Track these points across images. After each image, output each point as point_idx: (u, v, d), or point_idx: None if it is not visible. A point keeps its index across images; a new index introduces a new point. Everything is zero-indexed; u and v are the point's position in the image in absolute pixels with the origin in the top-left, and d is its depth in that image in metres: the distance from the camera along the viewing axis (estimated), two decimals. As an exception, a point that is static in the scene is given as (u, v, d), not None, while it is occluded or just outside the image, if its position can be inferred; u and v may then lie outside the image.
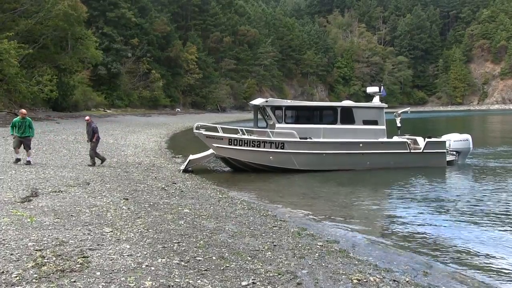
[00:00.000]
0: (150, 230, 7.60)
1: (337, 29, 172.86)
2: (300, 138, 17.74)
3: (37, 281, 5.00)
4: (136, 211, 8.99)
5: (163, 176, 14.64)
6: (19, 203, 8.79)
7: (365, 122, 18.70)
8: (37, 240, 6.45)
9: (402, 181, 15.89)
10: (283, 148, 17.58)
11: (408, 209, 11.73)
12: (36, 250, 6.03)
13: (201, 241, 7.27)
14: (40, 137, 22.14)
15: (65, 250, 6.11)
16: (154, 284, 5.16)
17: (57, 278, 5.11)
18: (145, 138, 29.63)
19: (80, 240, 6.62)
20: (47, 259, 5.70)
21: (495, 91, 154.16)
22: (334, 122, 18.51)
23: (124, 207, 9.26)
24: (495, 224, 10.14)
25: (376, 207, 12.28)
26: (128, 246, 6.53)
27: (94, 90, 58.15)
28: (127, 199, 10.05)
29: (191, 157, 17.70)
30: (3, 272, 5.18)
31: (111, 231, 7.27)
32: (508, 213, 11.18)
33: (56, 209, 8.47)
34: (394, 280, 6.36)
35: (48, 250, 6.03)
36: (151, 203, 10.00)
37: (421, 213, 11.27)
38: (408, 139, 19.57)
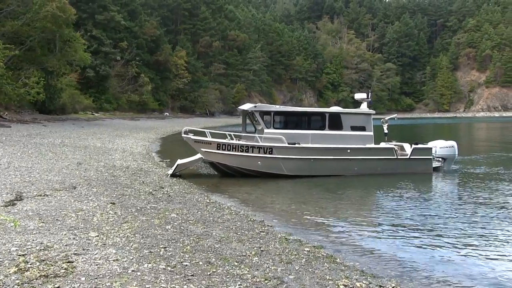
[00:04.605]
0: (136, 235, 7.55)
1: (327, 35, 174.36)
2: (289, 144, 17.78)
3: (19, 287, 4.92)
4: (123, 216, 8.92)
5: (151, 181, 14.55)
6: (2, 207, 8.66)
7: (353, 128, 18.81)
8: (20, 245, 6.35)
9: (389, 187, 16.00)
10: (271, 153, 17.59)
11: (395, 215, 11.80)
12: (19, 255, 5.94)
13: (188, 246, 7.24)
14: (26, 140, 21.88)
15: (49, 255, 6.03)
16: (139, 289, 5.12)
17: (41, 284, 5.04)
18: (133, 142, 29.44)
19: (65, 245, 6.54)
20: (30, 264, 5.62)
21: (480, 98, 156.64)
22: (323, 128, 18.58)
23: (110, 211, 9.18)
24: (479, 229, 10.23)
25: (363, 212, 12.34)
26: (114, 251, 6.47)
27: (82, 93, 57.65)
28: (114, 204, 9.97)
29: (179, 161, 17.61)
30: (-15, 277, 5.10)
31: (97, 236, 7.20)
32: (490, 217, 11.31)
33: (41, 213, 8.37)
34: (380, 286, 6.39)
35: (32, 255, 5.95)
36: (138, 208, 9.93)
37: (408, 218, 11.35)
38: (395, 145, 19.71)
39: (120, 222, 8.35)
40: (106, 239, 7.10)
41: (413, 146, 19.39)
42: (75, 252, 6.25)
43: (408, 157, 19.10)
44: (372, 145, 18.96)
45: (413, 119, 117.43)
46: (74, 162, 16.37)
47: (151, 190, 12.59)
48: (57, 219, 8.05)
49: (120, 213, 9.16)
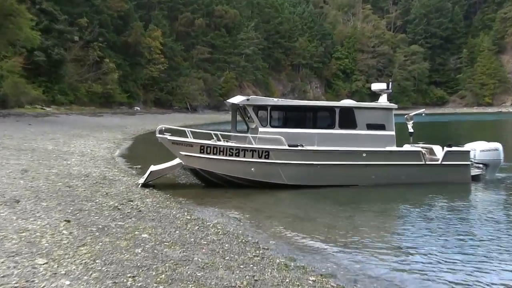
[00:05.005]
0: (97, 261, 7.50)
1: (337, 11, 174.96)
2: (289, 146, 17.78)
3: None
4: (80, 237, 8.86)
5: (117, 192, 14.50)
6: None
7: (370, 127, 18.86)
8: None
9: (416, 201, 16.02)
10: (267, 158, 17.57)
11: (423, 238, 11.76)
12: None
13: (163, 275, 7.21)
14: (-43, 142, 21.73)
15: (-17, 288, 5.96)
16: (99, 330, 5.06)
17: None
18: (95, 144, 29.42)
19: (3, 276, 6.45)
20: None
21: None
22: (331, 126, 18.62)
23: (64, 231, 9.10)
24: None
25: (382, 233, 12.33)
26: (67, 282, 6.41)
27: (29, 82, 57.27)
28: (68, 221, 9.90)
29: (153, 168, 17.56)
30: None
31: (46, 263, 7.12)
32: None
33: (-26, 235, 8.28)
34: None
35: (-40, 289, 5.87)
36: (100, 226, 9.87)
37: (439, 243, 11.27)
38: (422, 148, 19.76)
39: (77, 245, 8.28)
40: (57, 267, 7.02)
41: (446, 149, 19.44)
42: (15, 285, 6.17)
43: (439, 162, 19.15)
44: (394, 148, 19.01)
45: (446, 115, 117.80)
46: (18, 169, 16.25)
47: (116, 204, 12.53)
48: (-6, 242, 7.97)
49: (77, 233, 9.09)
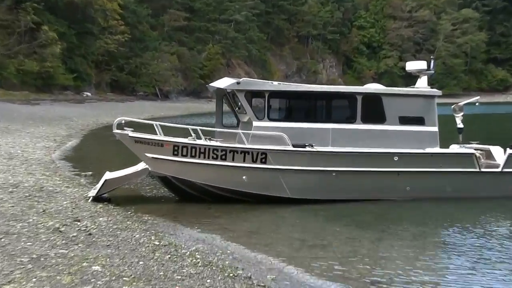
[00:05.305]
0: (30, 304, 7.47)
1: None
2: (294, 146, 17.78)
3: None
4: (6, 271, 8.82)
5: (58, 209, 14.45)
6: None
7: (404, 121, 18.89)
8: None
9: (467, 224, 15.98)
10: (265, 162, 17.58)
11: (475, 276, 11.65)
12: None
13: (120, 323, 7.18)
14: None
15: None
16: None
17: None
18: (28, 142, 29.43)
19: None
20: None
21: None
22: (352, 120, 18.65)
23: (-16, 263, 9.07)
24: None
25: (420, 266, 12.30)
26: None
27: None
28: (-9, 249, 9.87)
29: (108, 175, 17.53)
30: None
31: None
32: None
33: None
34: None
35: None
36: (35, 256, 9.83)
37: (499, 284, 11.19)
38: (476, 149, 19.75)
39: (0, 283, 8.23)
40: (-25, 311, 6.99)
41: (509, 151, 19.42)
42: None
43: (500, 169, 19.15)
44: (437, 149, 19.04)
45: (509, 105, 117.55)
46: None
47: (58, 225, 12.48)
48: None
49: (1, 266, 9.06)
